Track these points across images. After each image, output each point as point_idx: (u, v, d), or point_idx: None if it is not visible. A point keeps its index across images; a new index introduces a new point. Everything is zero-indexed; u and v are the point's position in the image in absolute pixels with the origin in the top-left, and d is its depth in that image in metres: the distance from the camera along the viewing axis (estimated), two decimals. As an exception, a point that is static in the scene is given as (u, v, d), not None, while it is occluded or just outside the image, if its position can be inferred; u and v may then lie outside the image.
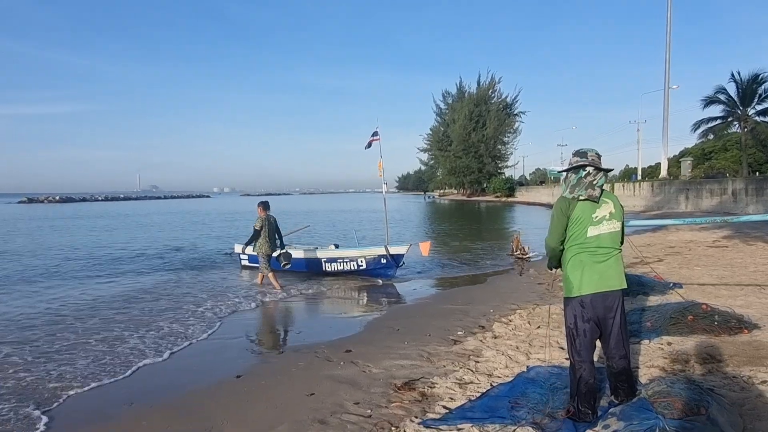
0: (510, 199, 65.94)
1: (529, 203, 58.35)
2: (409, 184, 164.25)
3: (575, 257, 3.24)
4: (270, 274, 9.39)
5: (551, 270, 3.59)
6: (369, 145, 10.95)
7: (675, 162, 45.16)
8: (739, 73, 28.83)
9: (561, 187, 3.39)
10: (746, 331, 4.85)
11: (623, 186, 38.95)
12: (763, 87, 28.59)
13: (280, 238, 9.86)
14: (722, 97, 29.57)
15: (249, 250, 10.66)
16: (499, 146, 74.34)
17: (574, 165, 3.25)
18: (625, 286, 3.28)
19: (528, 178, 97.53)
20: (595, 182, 3.17)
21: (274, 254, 9.69)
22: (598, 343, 3.35)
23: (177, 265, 12.79)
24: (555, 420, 3.25)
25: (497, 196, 68.77)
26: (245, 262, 11.94)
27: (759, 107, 29.06)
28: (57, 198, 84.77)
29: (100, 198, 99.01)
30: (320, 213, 42.05)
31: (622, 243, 3.38)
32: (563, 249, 3.33)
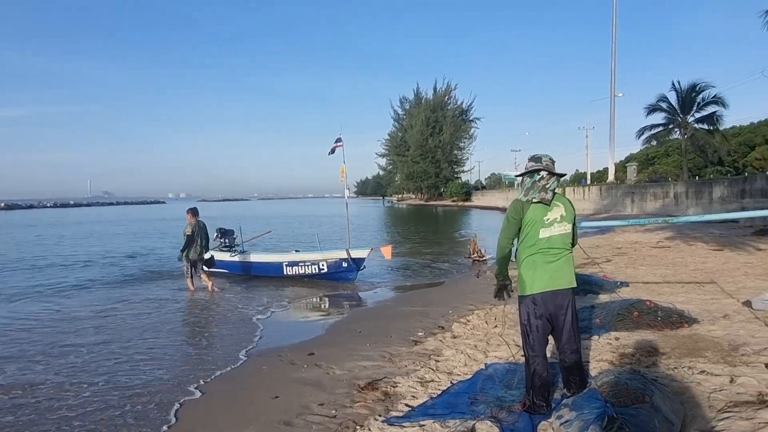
0: (466, 204, 67.11)
1: (484, 207, 59.52)
2: (368, 189, 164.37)
3: (528, 258, 3.42)
4: (189, 279, 9.50)
5: (499, 295, 3.66)
6: (333, 150, 11.01)
7: (621, 167, 47.20)
8: (679, 83, 30.51)
9: (517, 190, 3.57)
10: (686, 325, 5.19)
11: (573, 190, 40.36)
12: (701, 95, 30.31)
13: (207, 243, 9.85)
14: (664, 105, 31.16)
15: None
16: (456, 151, 75.78)
17: (529, 169, 3.43)
18: (575, 285, 3.49)
19: (484, 182, 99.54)
20: (548, 186, 3.36)
21: (206, 255, 9.73)
22: (551, 338, 3.54)
23: (132, 273, 12.40)
24: (512, 413, 3.41)
25: (454, 201, 69.88)
26: (204, 268, 11.74)
27: (698, 115, 30.78)
28: (2, 205, 78.91)
29: (48, 204, 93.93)
30: (279, 218, 41.63)
31: (573, 244, 3.59)
32: (514, 249, 3.52)
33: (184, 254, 9.44)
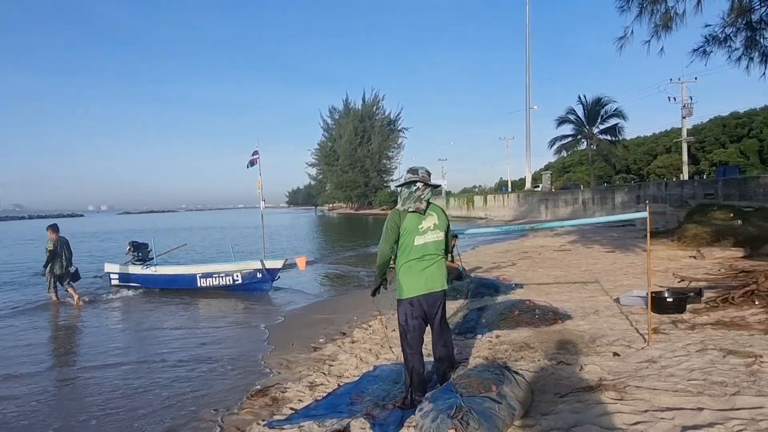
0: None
1: (413, 215, 60.71)
2: (299, 198, 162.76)
3: (405, 264, 3.71)
4: (54, 295, 9.62)
5: (375, 293, 4.00)
6: (251, 163, 11.00)
7: (539, 175, 49.91)
8: (585, 96, 32.97)
9: (399, 200, 3.85)
10: (560, 321, 5.72)
11: (494, 197, 42.20)
12: (604, 108, 32.85)
13: (71, 257, 9.83)
14: (572, 117, 33.48)
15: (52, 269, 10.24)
16: (384, 161, 76.94)
17: (407, 180, 3.74)
18: (446, 288, 3.84)
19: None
20: (422, 196, 3.67)
21: (71, 269, 9.73)
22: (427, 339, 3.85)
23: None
24: (385, 410, 3.67)
25: (383, 209, 70.75)
26: (115, 281, 11.36)
27: (602, 126, 33.30)
28: None
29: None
30: (203, 230, 40.39)
31: (447, 250, 3.94)
32: (393, 257, 3.81)
33: (47, 269, 9.55)
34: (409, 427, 3.30)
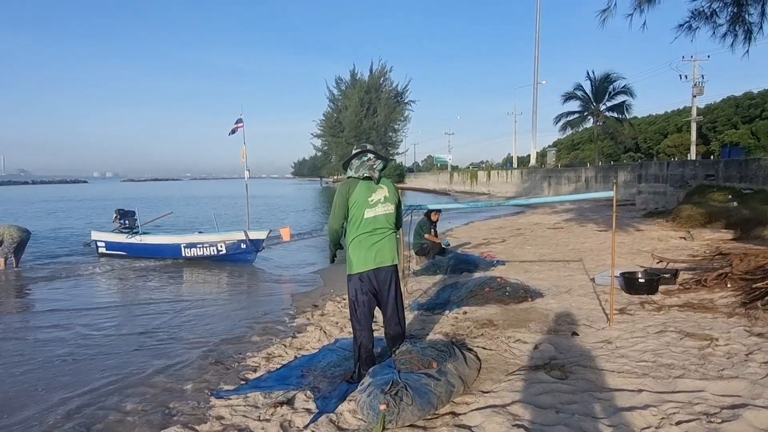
0: (400, 185, 67.71)
1: (416, 189, 60.67)
2: (305, 169, 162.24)
3: (355, 239, 3.65)
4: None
5: (333, 258, 3.99)
6: (233, 131, 10.89)
7: (544, 152, 49.37)
8: (593, 72, 32.23)
9: (348, 172, 3.76)
10: (530, 299, 5.68)
11: (498, 174, 41.88)
12: (613, 85, 32.19)
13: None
14: (579, 93, 32.84)
15: None
16: (390, 133, 76.09)
17: (357, 151, 3.67)
18: (397, 262, 3.78)
19: (421, 165, 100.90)
20: (374, 166, 3.61)
21: None
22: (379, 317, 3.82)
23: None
24: (333, 383, 3.67)
25: (388, 183, 70.60)
26: (102, 250, 11.42)
27: (609, 103, 32.68)
28: None
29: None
30: (204, 199, 40.54)
31: (398, 225, 3.87)
32: (344, 230, 3.74)
33: None
34: (350, 401, 3.29)
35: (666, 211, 15.74)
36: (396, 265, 3.76)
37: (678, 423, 2.68)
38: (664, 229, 12.38)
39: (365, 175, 3.58)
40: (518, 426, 2.76)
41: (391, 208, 3.69)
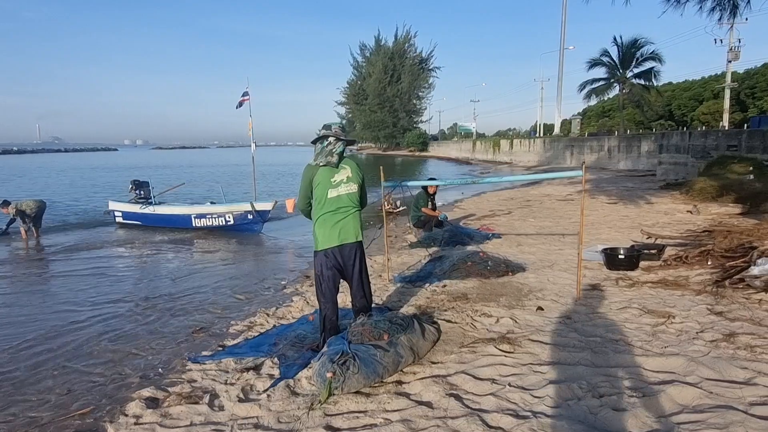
0: (423, 154, 67.59)
1: (440, 158, 60.20)
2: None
3: (320, 217, 3.85)
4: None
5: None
6: (240, 104, 11.11)
7: (571, 120, 48.21)
8: (621, 37, 31.08)
9: (313, 155, 3.94)
10: (510, 273, 5.81)
11: (520, 142, 41.22)
12: (640, 51, 31.02)
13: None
14: (605, 59, 31.78)
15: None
16: (414, 101, 75.39)
17: (319, 136, 3.83)
18: (361, 239, 3.97)
19: (446, 132, 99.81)
20: (334, 150, 3.77)
21: None
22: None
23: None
24: (300, 352, 3.93)
25: (411, 151, 70.20)
26: (119, 219, 11.95)
27: (636, 70, 31.58)
28: None
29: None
30: (223, 168, 41.22)
31: (362, 203, 4.04)
32: (311, 209, 3.94)
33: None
34: (310, 368, 3.54)
35: (683, 183, 15.43)
36: (360, 242, 3.95)
37: (600, 396, 2.83)
38: (675, 201, 12.22)
39: (321, 164, 3.75)
40: (450, 395, 2.96)
41: (354, 188, 3.86)
